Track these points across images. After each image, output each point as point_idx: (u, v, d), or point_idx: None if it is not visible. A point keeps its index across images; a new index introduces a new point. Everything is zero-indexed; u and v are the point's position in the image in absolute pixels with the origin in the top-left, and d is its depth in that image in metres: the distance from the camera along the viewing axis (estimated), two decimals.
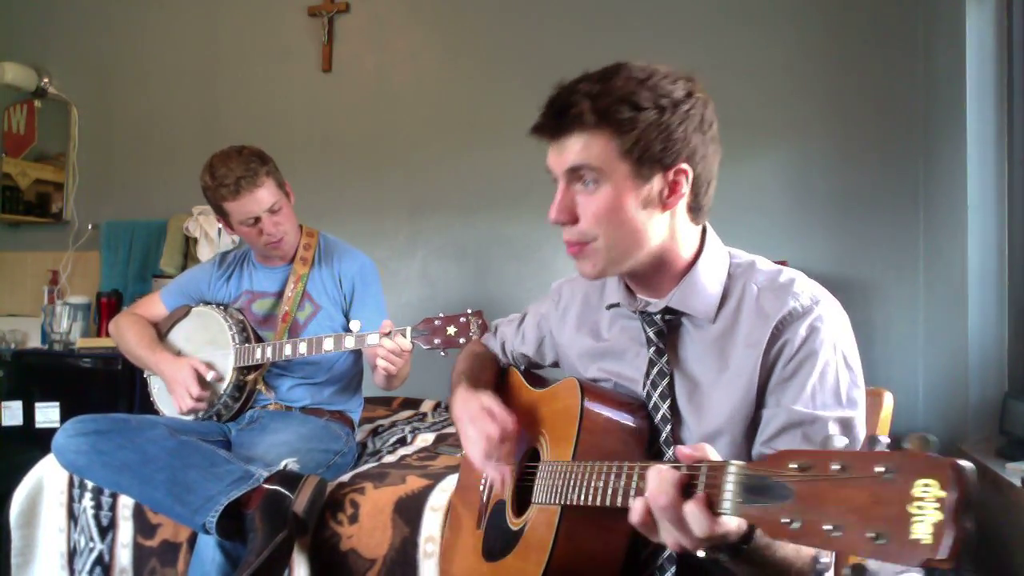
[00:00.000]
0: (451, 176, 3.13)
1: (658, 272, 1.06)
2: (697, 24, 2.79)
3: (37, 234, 3.76)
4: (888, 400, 1.27)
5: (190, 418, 2.02)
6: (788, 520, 0.62)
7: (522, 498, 1.15)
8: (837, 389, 0.97)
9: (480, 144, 3.08)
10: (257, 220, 1.97)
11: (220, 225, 3.27)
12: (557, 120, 0.99)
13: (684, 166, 0.99)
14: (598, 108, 0.96)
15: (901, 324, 2.55)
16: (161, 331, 2.15)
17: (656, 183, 0.99)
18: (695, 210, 1.04)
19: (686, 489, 0.75)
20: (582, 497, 0.93)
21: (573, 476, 0.96)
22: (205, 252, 3.27)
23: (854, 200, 2.62)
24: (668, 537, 0.77)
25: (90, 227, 3.57)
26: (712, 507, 0.72)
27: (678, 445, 0.80)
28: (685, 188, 1.00)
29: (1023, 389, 1.97)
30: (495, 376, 1.39)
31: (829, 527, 0.59)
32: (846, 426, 0.96)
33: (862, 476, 0.58)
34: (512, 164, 3.02)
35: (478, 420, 1.15)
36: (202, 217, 3.33)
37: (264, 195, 1.94)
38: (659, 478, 0.76)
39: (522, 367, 1.39)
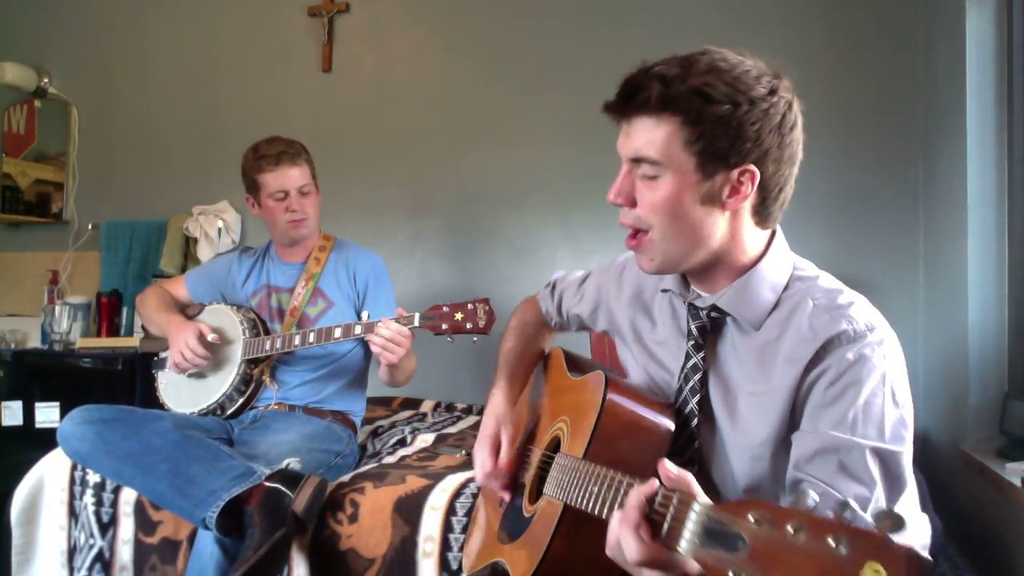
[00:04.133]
0: (451, 176, 3.13)
1: (715, 268, 1.02)
2: (697, 25, 2.79)
3: (37, 234, 3.75)
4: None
5: (192, 411, 2.03)
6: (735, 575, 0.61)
7: (540, 486, 1.16)
8: (882, 423, 0.89)
9: (480, 144, 3.08)
10: (286, 195, 2.07)
11: (220, 226, 3.32)
12: (625, 102, 0.95)
13: (751, 167, 0.94)
14: (667, 95, 0.91)
15: (901, 324, 2.51)
16: None
17: (719, 181, 0.94)
18: (761, 214, 0.99)
19: (650, 512, 0.76)
20: (580, 500, 0.93)
21: (578, 475, 0.96)
22: (205, 252, 3.27)
23: (854, 200, 2.62)
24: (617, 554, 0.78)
25: (90, 227, 3.57)
26: (668, 541, 0.72)
27: (665, 460, 0.80)
28: (750, 190, 0.95)
29: (1023, 389, 1.97)
30: (535, 359, 1.45)
31: None
32: (884, 460, 0.88)
33: (815, 545, 0.57)
34: (512, 164, 3.02)
35: (483, 445, 1.29)
36: (202, 217, 3.33)
37: (298, 174, 2.09)
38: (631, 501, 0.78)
39: (574, 328, 1.42)
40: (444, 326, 1.78)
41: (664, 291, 1.14)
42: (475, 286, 3.07)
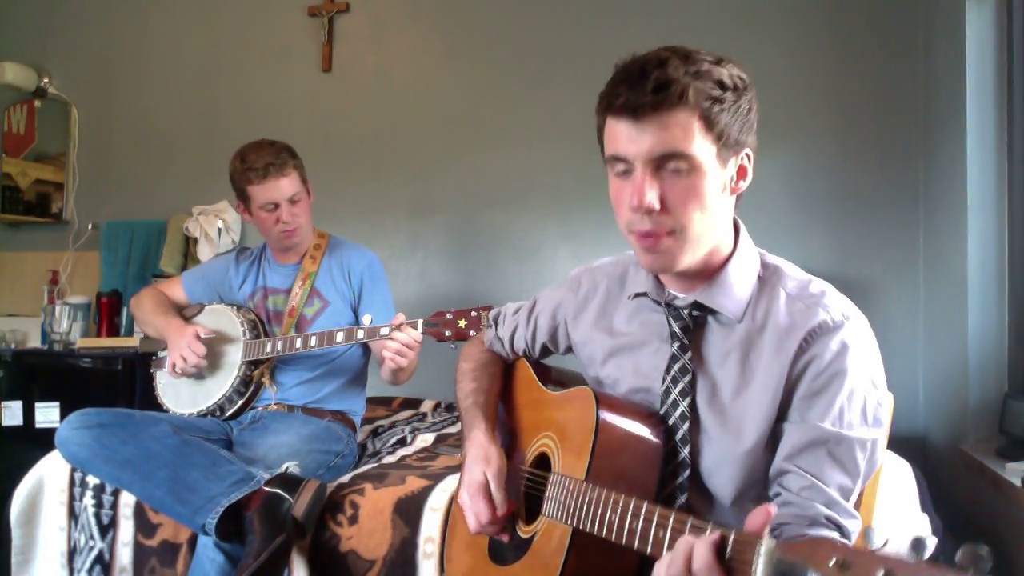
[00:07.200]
0: (451, 176, 3.13)
1: (701, 262, 1.00)
2: (697, 25, 2.79)
3: (37, 234, 3.75)
4: (888, 400, 1.26)
5: (191, 412, 2.03)
6: None
7: (530, 504, 1.14)
8: (864, 409, 0.94)
9: (480, 144, 3.08)
10: (276, 207, 2.04)
11: (220, 226, 3.32)
12: (656, 96, 0.89)
13: (749, 150, 0.98)
14: (699, 88, 0.90)
15: (901, 324, 2.55)
16: None
17: (731, 166, 0.96)
18: (740, 197, 1.02)
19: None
20: (595, 527, 0.91)
21: (587, 500, 0.94)
22: (205, 252, 3.27)
23: (854, 200, 2.62)
24: None
25: (90, 227, 3.56)
26: None
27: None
28: (750, 172, 0.99)
29: (1023, 389, 1.97)
30: (502, 386, 1.36)
31: None
32: (867, 448, 0.94)
33: None
34: (512, 164, 3.02)
35: (476, 497, 1.14)
36: (202, 217, 3.33)
37: (288, 184, 2.04)
38: (702, 556, 0.72)
39: (536, 355, 1.35)
40: (447, 333, 1.78)
41: (635, 296, 1.11)
42: (475, 286, 3.07)
